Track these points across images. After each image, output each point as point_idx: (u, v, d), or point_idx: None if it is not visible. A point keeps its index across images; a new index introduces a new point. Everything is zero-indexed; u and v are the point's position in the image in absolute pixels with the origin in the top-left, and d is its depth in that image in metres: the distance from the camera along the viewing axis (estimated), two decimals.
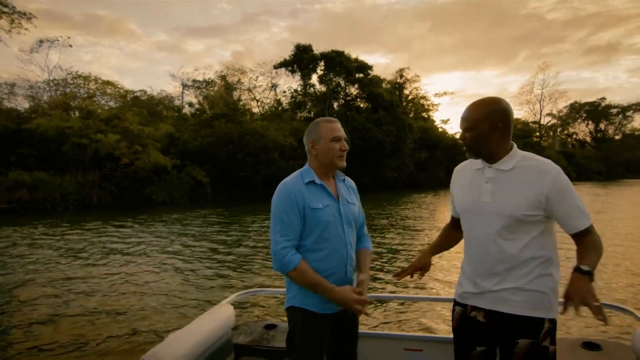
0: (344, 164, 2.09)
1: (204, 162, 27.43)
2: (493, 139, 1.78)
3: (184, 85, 44.70)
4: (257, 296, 6.39)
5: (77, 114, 28.67)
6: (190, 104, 42.78)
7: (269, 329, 2.97)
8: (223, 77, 43.56)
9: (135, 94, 41.46)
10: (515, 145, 1.82)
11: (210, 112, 32.73)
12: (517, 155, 1.80)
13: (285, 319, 2.18)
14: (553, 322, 1.77)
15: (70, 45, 38.70)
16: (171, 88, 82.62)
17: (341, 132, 2.07)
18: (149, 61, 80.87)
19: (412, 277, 2.19)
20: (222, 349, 2.60)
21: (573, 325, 5.31)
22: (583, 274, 1.62)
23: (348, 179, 2.23)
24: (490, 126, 1.76)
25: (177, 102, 44.73)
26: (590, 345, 2.59)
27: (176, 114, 40.14)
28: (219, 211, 21.02)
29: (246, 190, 28.39)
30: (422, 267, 2.17)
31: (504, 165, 1.79)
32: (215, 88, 43.03)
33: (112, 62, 73.61)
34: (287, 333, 2.09)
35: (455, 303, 1.99)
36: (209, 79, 44.09)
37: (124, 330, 5.41)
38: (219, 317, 2.64)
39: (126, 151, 23.22)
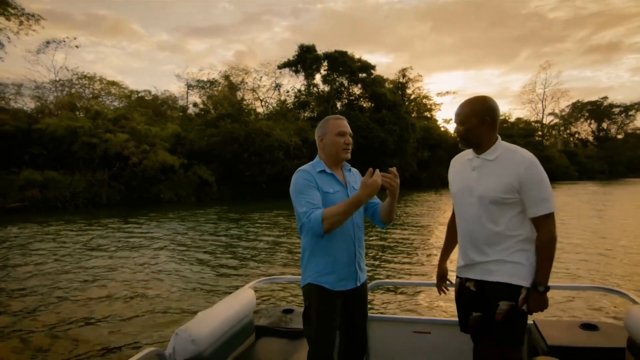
0: (349, 156, 2.30)
1: (210, 161, 27.80)
2: (481, 132, 2.09)
3: (189, 86, 45.13)
4: (274, 288, 6.79)
5: (81, 114, 29.03)
6: (195, 104, 43.21)
7: (287, 313, 3.19)
8: (227, 77, 43.94)
9: (140, 94, 41.92)
10: (500, 138, 2.11)
11: (214, 112, 33.08)
12: (501, 147, 2.09)
13: (301, 305, 2.36)
14: (529, 290, 2.05)
15: (77, 46, 39.19)
16: (175, 88, 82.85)
17: (346, 127, 2.29)
18: (150, 61, 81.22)
19: (445, 290, 2.53)
20: (244, 330, 2.75)
21: (572, 308, 5.74)
22: (541, 294, 2.01)
23: (354, 169, 2.47)
24: (480, 120, 2.08)
25: (181, 102, 45.21)
26: (587, 327, 2.79)
27: (181, 114, 40.50)
28: (226, 209, 21.40)
29: (252, 189, 28.75)
30: (442, 275, 2.49)
31: (489, 155, 2.09)
32: (219, 88, 43.44)
33: (114, 62, 73.96)
34: (303, 310, 2.28)
35: (457, 276, 2.30)
36: (213, 79, 44.49)
37: (158, 308, 5.93)
38: (242, 300, 2.79)
39: (135, 150, 23.60)
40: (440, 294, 2.49)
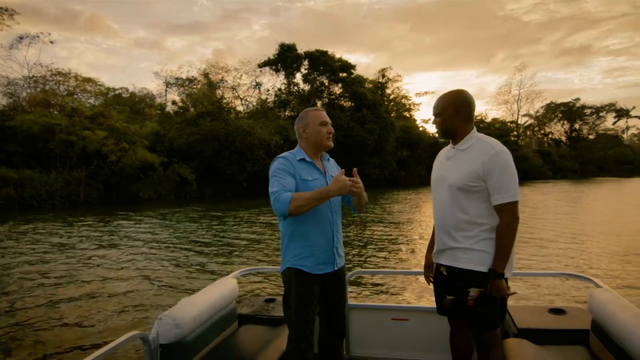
0: (332, 144, 2.40)
1: (190, 159, 27.61)
2: (457, 122, 2.19)
3: (168, 84, 44.64)
4: (256, 281, 6.90)
5: (56, 111, 28.41)
6: (174, 102, 42.76)
7: (269, 302, 3.28)
8: (206, 75, 43.62)
9: (117, 92, 41.21)
10: (475, 129, 2.21)
11: (194, 111, 32.82)
12: (474, 137, 2.18)
13: (282, 294, 2.41)
14: None
15: (52, 42, 38.29)
16: (153, 86, 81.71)
17: (327, 117, 2.39)
18: (127, 58, 79.77)
19: (432, 278, 2.48)
20: (227, 317, 2.82)
21: (541, 294, 6.08)
22: (496, 280, 2.05)
23: (332, 159, 2.55)
24: (455, 111, 2.18)
25: (159, 100, 44.67)
26: (555, 311, 2.94)
27: (159, 111, 40.01)
28: (207, 207, 21.32)
29: (232, 187, 28.68)
30: (428, 265, 2.51)
31: (462, 145, 2.19)
32: (199, 86, 43.09)
33: (89, 59, 72.33)
34: (283, 296, 2.34)
35: (433, 261, 2.40)
36: (192, 77, 44.10)
37: (137, 302, 5.94)
38: (225, 288, 2.83)
39: (114, 148, 23.28)
40: (429, 283, 2.51)
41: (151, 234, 12.70)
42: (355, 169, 2.30)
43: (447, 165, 2.23)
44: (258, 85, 43.25)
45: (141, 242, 11.21)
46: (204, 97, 36.80)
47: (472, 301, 2.10)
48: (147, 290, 6.78)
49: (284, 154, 2.37)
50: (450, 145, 2.28)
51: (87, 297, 6.46)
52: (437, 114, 2.25)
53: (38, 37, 32.43)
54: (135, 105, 39.76)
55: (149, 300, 6.28)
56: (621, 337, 2.12)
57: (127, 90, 43.01)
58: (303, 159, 2.33)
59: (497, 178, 2.03)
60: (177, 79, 44.35)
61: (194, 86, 43.65)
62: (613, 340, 2.24)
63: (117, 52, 77.61)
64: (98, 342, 4.72)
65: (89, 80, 36.80)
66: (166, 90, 44.96)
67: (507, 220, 2.04)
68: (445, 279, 2.26)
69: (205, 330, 2.50)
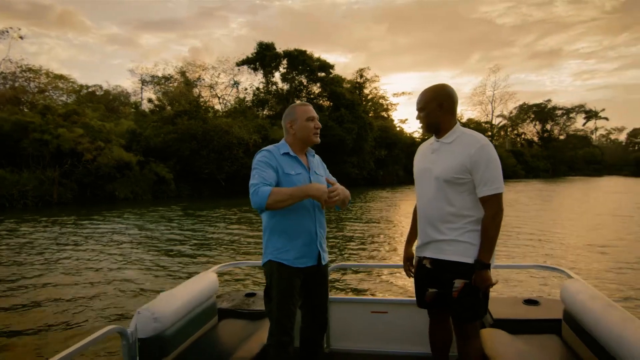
0: (319, 139, 2.39)
1: (167, 158, 27.25)
2: (440, 116, 2.20)
3: (143, 81, 43.93)
4: (237, 277, 6.93)
5: (26, 109, 27.59)
6: (150, 100, 42.11)
7: (249, 296, 3.28)
8: (183, 73, 43.12)
9: (90, 89, 40.30)
10: (458, 123, 2.23)
11: (170, 110, 32.39)
12: (458, 131, 2.20)
13: (263, 289, 2.39)
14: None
15: (21, 37, 37.12)
16: (129, 83, 79.97)
17: (314, 112, 2.38)
18: (100, 54, 78.06)
19: (412, 271, 2.46)
20: (207, 311, 2.80)
21: (515, 286, 6.33)
22: (482, 271, 2.07)
23: (317, 155, 2.52)
24: (437, 105, 2.19)
25: (133, 98, 43.94)
26: (529, 302, 3.03)
27: (134, 109, 39.34)
28: (184, 206, 21.13)
29: (210, 186, 28.47)
30: (409, 258, 2.50)
31: (446, 139, 2.20)
32: (175, 84, 42.53)
33: (60, 55, 70.61)
34: (264, 289, 2.32)
35: (415, 255, 2.40)
36: (169, 74, 43.53)
37: (113, 302, 5.85)
38: (205, 282, 2.81)
39: (89, 147, 22.79)
40: (409, 276, 2.51)
41: (128, 233, 12.56)
42: (333, 180, 2.32)
43: (432, 158, 2.24)
44: (236, 83, 43.03)
45: (117, 242, 11.06)
46: (181, 96, 36.36)
47: (456, 292, 2.12)
48: (124, 288, 6.70)
49: (268, 147, 2.36)
50: (433, 139, 2.29)
51: (60, 297, 6.35)
52: (420, 108, 2.26)
53: (7, 32, 31.43)
54: (109, 103, 38.98)
55: (126, 297, 6.22)
56: (591, 325, 2.17)
57: (101, 87, 42.20)
58: (287, 153, 2.32)
59: (484, 170, 2.06)
60: (153, 76, 43.75)
61: (171, 84, 43.10)
62: (584, 328, 2.29)
63: (89, 49, 75.99)
64: (75, 339, 4.65)
65: (60, 77, 35.83)
66: (142, 88, 44.29)
67: (492, 211, 2.08)
68: (429, 272, 2.26)
69: (184, 324, 2.47)
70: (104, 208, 19.89)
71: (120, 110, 38.65)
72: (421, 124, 2.30)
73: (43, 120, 23.09)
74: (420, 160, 2.34)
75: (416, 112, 2.31)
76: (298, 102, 2.44)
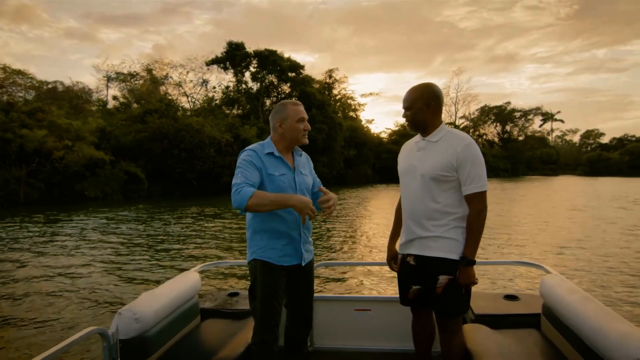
0: (307, 141, 2.34)
1: (138, 157, 26.88)
2: (427, 115, 2.22)
3: (109, 78, 42.85)
4: (220, 277, 6.99)
5: None
6: (115, 97, 41.17)
7: (232, 296, 3.25)
8: (149, 71, 42.41)
9: (50, 85, 38.86)
10: (444, 123, 2.27)
11: (137, 107, 31.86)
12: (444, 130, 2.23)
13: (246, 289, 2.40)
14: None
15: None
16: (93, 80, 77.17)
17: (305, 113, 2.32)
18: (57, 49, 74.74)
19: (396, 266, 2.47)
20: (190, 311, 2.77)
21: (496, 282, 6.80)
22: (467, 267, 2.12)
23: (304, 153, 2.47)
24: (424, 104, 2.21)
25: (96, 95, 42.75)
26: (510, 297, 3.09)
27: (98, 107, 38.31)
28: (156, 205, 21.00)
29: (182, 185, 28.28)
30: (393, 255, 2.50)
31: (432, 137, 2.22)
32: (141, 82, 41.76)
33: (13, 49, 67.04)
34: (249, 285, 2.30)
35: (399, 253, 2.41)
36: (134, 71, 42.70)
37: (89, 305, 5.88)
38: (187, 282, 2.78)
39: (58, 145, 22.20)
40: (394, 270, 2.52)
41: (100, 233, 12.39)
42: (324, 189, 2.37)
43: (417, 156, 2.25)
44: (205, 82, 42.69)
45: (89, 242, 10.87)
46: (148, 93, 35.81)
47: (440, 288, 2.14)
48: (99, 289, 6.51)
49: (253, 145, 2.31)
50: (418, 138, 2.31)
51: (36, 297, 6.16)
52: (407, 107, 2.26)
53: None
54: (72, 100, 37.77)
55: (102, 299, 6.04)
56: (569, 319, 2.22)
57: (62, 84, 40.75)
58: (271, 153, 2.27)
59: (470, 169, 2.10)
60: (117, 73, 42.76)
61: (136, 81, 42.29)
62: (562, 321, 2.34)
63: (45, 43, 72.58)
64: (52, 342, 4.46)
65: (19, 72, 34.22)
66: (107, 86, 43.20)
67: (477, 209, 2.12)
68: (413, 269, 2.27)
69: (167, 324, 2.45)
70: (72, 208, 19.50)
71: (85, 108, 37.48)
72: (407, 123, 2.32)
73: (7, 118, 22.33)
74: (406, 158, 2.36)
75: (403, 111, 2.32)
76: (289, 100, 2.40)
